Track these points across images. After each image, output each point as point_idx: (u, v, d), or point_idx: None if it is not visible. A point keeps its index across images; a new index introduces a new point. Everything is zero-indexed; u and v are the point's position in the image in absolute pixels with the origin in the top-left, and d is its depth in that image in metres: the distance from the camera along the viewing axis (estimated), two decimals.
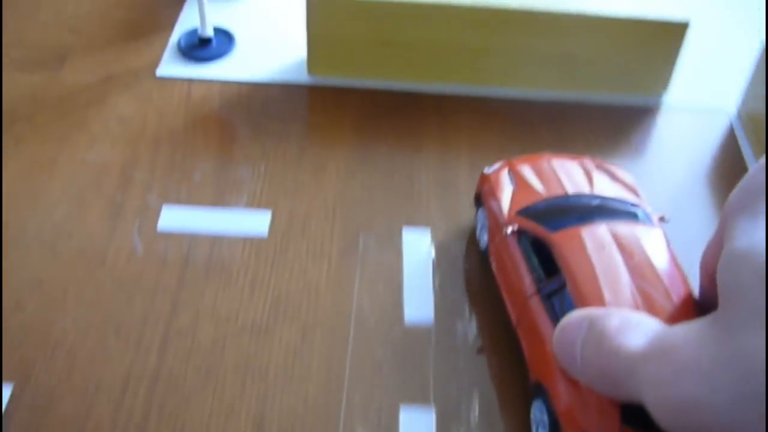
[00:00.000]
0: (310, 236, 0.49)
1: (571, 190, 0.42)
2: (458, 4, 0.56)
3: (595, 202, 0.41)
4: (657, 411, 0.29)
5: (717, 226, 0.33)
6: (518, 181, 0.44)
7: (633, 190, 0.43)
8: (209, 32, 0.63)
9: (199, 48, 0.63)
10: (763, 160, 0.31)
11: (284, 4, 0.68)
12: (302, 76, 0.61)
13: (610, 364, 0.31)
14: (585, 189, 0.42)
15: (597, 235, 0.37)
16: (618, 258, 0.36)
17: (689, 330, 0.29)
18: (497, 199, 0.44)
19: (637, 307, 0.34)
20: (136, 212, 0.50)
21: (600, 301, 0.35)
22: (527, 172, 0.44)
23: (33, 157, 0.54)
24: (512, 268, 0.41)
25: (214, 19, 0.64)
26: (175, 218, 0.50)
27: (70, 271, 0.47)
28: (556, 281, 0.37)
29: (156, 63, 0.62)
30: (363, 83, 0.61)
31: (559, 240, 0.38)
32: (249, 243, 0.49)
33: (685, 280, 0.36)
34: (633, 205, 0.41)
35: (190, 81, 0.61)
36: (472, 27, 0.57)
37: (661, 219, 0.41)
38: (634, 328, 0.32)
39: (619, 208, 0.40)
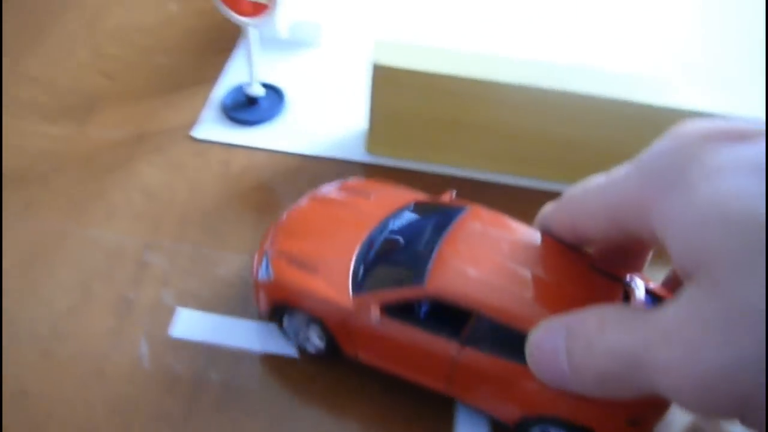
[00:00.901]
0: None
1: (361, 233, 0.39)
2: (548, 87, 0.47)
3: (396, 228, 0.38)
4: (681, 395, 0.28)
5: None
6: (309, 262, 0.38)
7: (393, 188, 0.42)
8: (258, 91, 0.55)
9: (244, 108, 0.55)
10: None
11: (345, 66, 0.60)
12: (359, 153, 0.53)
13: (608, 365, 0.30)
14: (368, 222, 0.39)
15: (459, 256, 0.35)
16: (495, 259, 0.35)
17: (679, 307, 0.28)
18: (314, 294, 0.37)
19: (550, 286, 0.34)
20: (147, 312, 0.43)
21: (527, 304, 0.33)
22: (303, 248, 0.39)
23: (41, 228, 0.47)
24: (407, 343, 0.36)
25: (265, 74, 0.56)
26: (192, 324, 0.42)
27: (60, 384, 0.39)
28: (476, 321, 0.34)
29: (194, 121, 0.54)
30: (426, 167, 0.52)
31: (441, 287, 0.34)
32: (276, 364, 0.41)
33: (526, 228, 0.37)
34: (420, 204, 0.40)
35: (230, 147, 0.53)
36: (559, 113, 0.48)
37: (451, 197, 0.41)
38: (615, 322, 0.30)
39: (423, 217, 0.38)
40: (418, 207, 0.40)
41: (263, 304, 0.40)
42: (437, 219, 0.38)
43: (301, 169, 0.52)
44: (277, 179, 0.51)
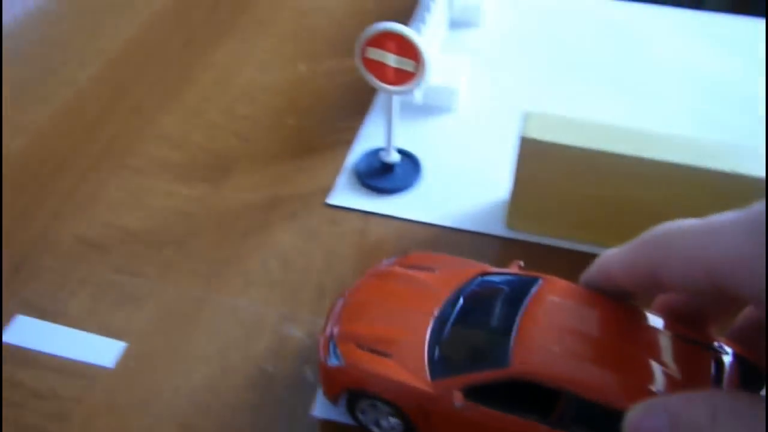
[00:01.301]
0: None
1: (430, 310, 0.37)
2: (704, 166, 0.44)
3: (467, 304, 0.36)
4: None
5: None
6: (381, 346, 0.36)
7: (457, 260, 0.40)
8: (394, 157, 0.54)
9: (380, 175, 0.54)
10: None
11: (481, 133, 0.59)
12: (498, 227, 0.51)
13: None
14: (436, 298, 0.37)
15: (541, 333, 0.33)
16: (578, 334, 0.33)
17: None
18: (390, 380, 0.35)
19: (641, 360, 0.32)
20: (288, 388, 0.41)
21: (620, 380, 0.31)
22: (373, 331, 0.37)
23: (179, 293, 0.46)
24: (493, 428, 0.34)
25: (401, 140, 0.55)
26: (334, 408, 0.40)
27: None
28: (566, 401, 0.32)
29: (328, 187, 0.53)
30: (570, 245, 0.50)
31: (527, 368, 0.32)
32: None
33: (613, 300, 0.34)
34: (487, 274, 0.38)
35: (365, 215, 0.51)
36: (715, 194, 0.45)
37: (520, 267, 0.39)
38: (730, 415, 0.27)
39: (495, 290, 0.36)
40: (487, 280, 0.38)
41: (333, 390, 0.38)
42: (511, 292, 0.36)
43: (438, 240, 0.50)
44: (412, 248, 0.49)
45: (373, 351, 0.36)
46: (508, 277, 0.38)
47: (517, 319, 0.34)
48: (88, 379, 0.42)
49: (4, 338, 0.44)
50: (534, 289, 0.35)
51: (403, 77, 0.49)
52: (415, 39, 0.47)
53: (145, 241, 0.49)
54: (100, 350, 0.43)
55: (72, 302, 0.45)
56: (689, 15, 0.73)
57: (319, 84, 0.63)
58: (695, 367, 0.32)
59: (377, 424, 0.38)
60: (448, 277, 0.39)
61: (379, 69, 0.49)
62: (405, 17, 0.71)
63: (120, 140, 0.57)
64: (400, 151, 0.55)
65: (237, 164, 0.55)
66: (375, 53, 0.49)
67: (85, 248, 0.49)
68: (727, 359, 0.33)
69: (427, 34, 0.57)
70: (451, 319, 0.36)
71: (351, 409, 0.38)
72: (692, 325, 0.34)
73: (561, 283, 0.36)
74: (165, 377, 0.41)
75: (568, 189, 0.49)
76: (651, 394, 0.31)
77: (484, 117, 0.60)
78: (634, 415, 0.29)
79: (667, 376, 0.31)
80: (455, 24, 0.70)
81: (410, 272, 0.40)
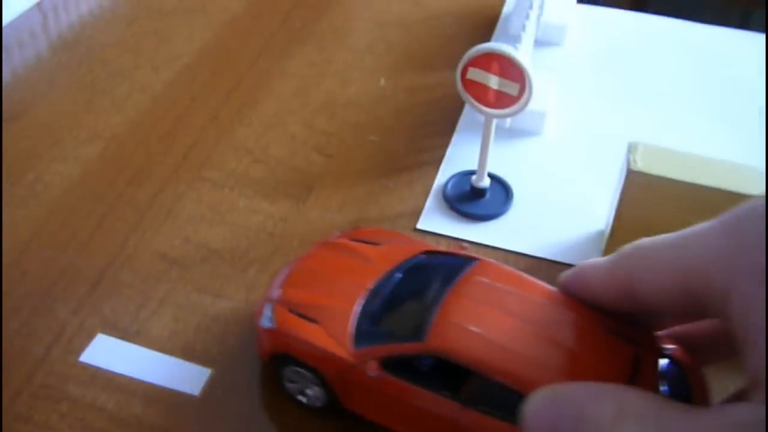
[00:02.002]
0: None
1: (367, 282, 0.37)
2: None
3: (403, 279, 0.37)
4: None
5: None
6: (311, 312, 0.37)
7: (405, 238, 0.42)
8: (485, 182, 0.51)
9: (469, 200, 0.52)
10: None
11: (571, 158, 0.56)
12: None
13: None
14: (375, 271, 0.38)
15: (463, 312, 0.33)
16: (499, 316, 0.33)
17: (734, 425, 0.23)
18: (314, 346, 0.36)
19: (556, 347, 0.31)
20: None
21: (531, 365, 0.31)
22: (306, 297, 0.38)
23: None
24: (406, 400, 0.34)
25: (493, 165, 0.53)
26: None
27: None
28: (476, 381, 0.32)
29: (415, 210, 0.51)
30: None
31: (442, 344, 0.33)
32: None
33: (547, 288, 0.34)
34: (431, 254, 0.39)
35: (456, 242, 0.49)
36: None
37: (462, 248, 0.39)
38: (637, 416, 0.25)
39: (431, 268, 0.37)
40: (427, 258, 0.39)
41: (263, 352, 0.39)
42: (445, 271, 0.36)
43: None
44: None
45: (301, 316, 0.37)
46: (448, 258, 0.38)
47: (443, 297, 0.34)
48: (173, 407, 0.40)
49: (86, 358, 0.42)
50: (466, 270, 0.36)
51: (504, 100, 0.47)
52: (522, 61, 0.45)
53: (228, 260, 0.47)
54: (185, 376, 0.41)
55: (154, 322, 0.44)
56: None
57: (402, 100, 0.61)
58: (615, 362, 0.32)
59: (303, 394, 0.38)
60: (391, 253, 0.39)
61: (479, 91, 0.47)
62: (484, 32, 0.69)
63: (197, 150, 0.55)
64: (490, 176, 0.52)
65: (320, 181, 0.53)
66: (477, 74, 0.47)
67: (165, 265, 0.47)
68: (658, 360, 0.32)
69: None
70: (383, 293, 0.37)
71: (279, 377, 0.39)
72: (632, 323, 0.33)
73: (495, 266, 0.36)
74: (253, 409, 0.39)
75: (675, 224, 0.46)
76: (560, 382, 0.30)
77: (573, 142, 0.58)
78: (534, 400, 0.28)
79: (583, 367, 0.31)
80: (537, 43, 0.67)
81: (355, 245, 0.41)
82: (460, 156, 0.55)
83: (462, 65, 0.46)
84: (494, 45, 0.45)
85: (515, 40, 0.55)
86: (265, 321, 0.38)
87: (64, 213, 0.50)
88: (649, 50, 0.68)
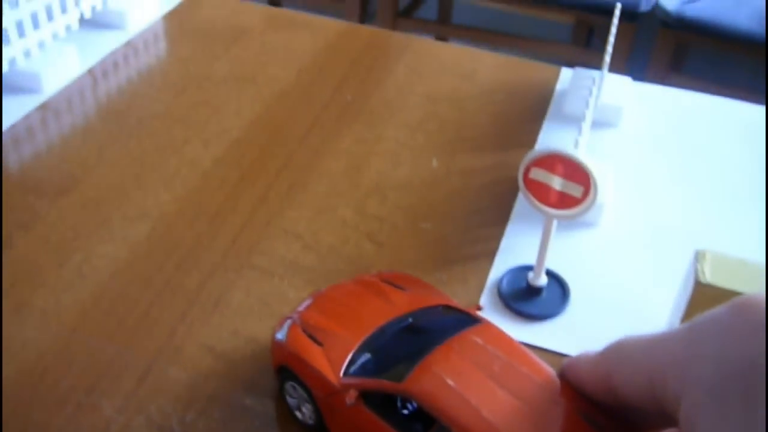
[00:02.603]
0: None
1: (380, 320, 0.40)
2: None
3: (412, 324, 0.39)
4: None
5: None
6: (319, 335, 0.40)
7: (433, 290, 0.43)
8: (542, 280, 0.50)
9: (525, 298, 0.50)
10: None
11: (629, 253, 0.54)
12: None
13: None
14: (391, 312, 0.40)
15: (446, 364, 0.35)
16: (479, 376, 0.34)
17: None
18: (311, 365, 0.39)
19: (521, 419, 0.32)
20: None
21: (491, 429, 0.32)
22: (321, 321, 0.41)
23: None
24: None
25: (548, 259, 0.51)
26: None
27: None
28: (437, 430, 0.34)
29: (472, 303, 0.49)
30: None
31: (414, 388, 0.35)
32: None
33: (539, 364, 0.35)
34: (448, 308, 0.40)
35: None
36: None
37: (478, 309, 0.41)
38: None
39: (440, 320, 0.39)
40: (441, 310, 0.41)
41: (273, 362, 0.42)
42: (449, 325, 0.38)
43: None
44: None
45: (311, 337, 0.40)
46: (458, 314, 0.40)
47: (435, 347, 0.36)
48: None
49: None
50: (467, 327, 0.37)
51: (567, 201, 0.45)
52: (587, 165, 0.44)
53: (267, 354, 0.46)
54: None
55: (201, 424, 0.42)
56: None
57: (455, 183, 0.59)
58: None
59: (300, 410, 0.41)
60: (412, 299, 0.42)
61: (542, 191, 0.46)
62: (538, 110, 0.68)
63: (246, 234, 0.54)
64: (547, 272, 0.51)
65: (371, 271, 0.51)
66: (540, 174, 0.45)
67: (212, 360, 0.46)
68: None
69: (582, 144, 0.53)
70: (389, 333, 0.39)
71: (282, 390, 0.42)
72: (616, 418, 0.33)
73: (495, 331, 0.38)
74: None
75: None
76: None
77: (631, 234, 0.56)
78: None
79: None
80: (592, 124, 0.66)
81: (382, 285, 0.43)
82: (514, 247, 0.54)
83: (525, 165, 0.45)
84: (559, 148, 0.44)
85: (572, 121, 0.54)
86: (279, 334, 0.42)
87: (111, 298, 0.49)
88: (706, 131, 0.67)
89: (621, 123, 0.67)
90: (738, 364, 0.25)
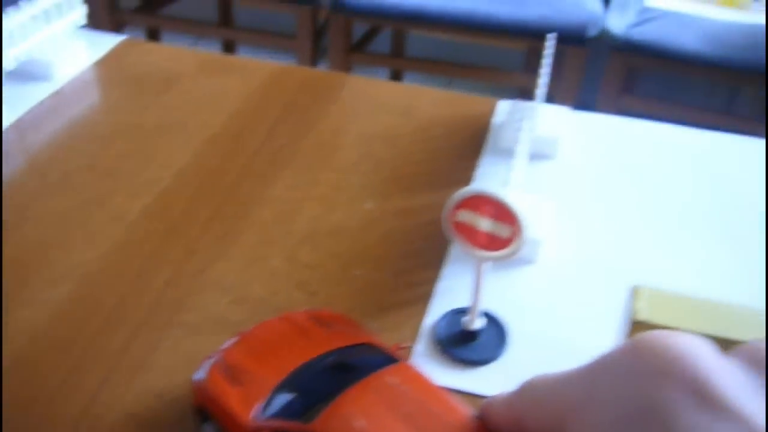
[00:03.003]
0: None
1: (301, 359, 0.39)
2: None
3: (332, 363, 0.39)
4: None
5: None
6: (239, 375, 0.39)
7: (359, 329, 0.42)
8: (478, 324, 0.48)
9: (462, 342, 0.48)
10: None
11: (573, 292, 0.53)
12: None
13: None
14: (313, 351, 0.39)
15: (357, 405, 0.35)
16: (390, 417, 0.34)
17: None
18: (224, 407, 0.38)
19: None
20: None
21: None
22: (243, 361, 0.40)
23: None
24: None
25: (484, 300, 0.50)
26: None
27: None
28: None
29: (405, 356, 0.47)
30: None
31: (322, 430, 0.34)
32: None
33: (455, 406, 0.35)
34: (370, 347, 0.40)
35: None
36: None
37: (401, 348, 0.41)
38: None
39: (360, 359, 0.39)
40: (363, 349, 0.40)
41: (193, 402, 0.41)
42: (368, 364, 0.38)
43: None
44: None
45: (230, 377, 0.39)
46: (378, 353, 0.40)
47: (348, 388, 0.36)
48: None
49: None
50: (384, 367, 0.37)
51: (496, 243, 0.44)
52: (513, 205, 0.42)
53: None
54: None
55: None
56: None
57: (389, 226, 0.58)
58: None
59: None
60: (335, 337, 0.41)
61: (470, 233, 0.44)
62: (475, 145, 0.67)
63: (174, 289, 0.52)
64: (484, 314, 0.49)
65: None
66: (467, 216, 0.44)
67: (135, 428, 0.43)
68: None
69: (515, 181, 0.52)
70: (308, 372, 0.38)
71: (199, 426, 0.41)
72: None
73: (411, 372, 0.37)
74: None
75: None
76: None
77: (570, 271, 0.55)
78: None
79: None
80: (529, 156, 0.65)
81: (308, 323, 0.43)
82: (451, 290, 0.52)
83: (450, 207, 0.44)
84: (483, 189, 0.43)
85: (509, 155, 0.52)
86: (198, 374, 0.41)
87: (28, 366, 0.47)
88: (647, 159, 0.66)
89: (558, 154, 0.66)
90: (636, 408, 0.25)
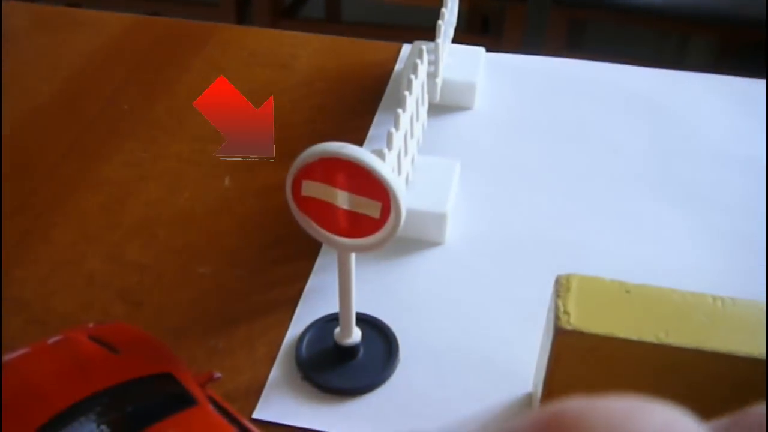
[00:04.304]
0: None
1: (65, 401, 0.28)
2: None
3: (105, 407, 0.28)
4: None
5: None
6: None
7: (160, 351, 0.31)
8: (353, 338, 0.35)
9: (334, 363, 0.35)
10: None
11: (483, 281, 0.40)
12: None
13: None
14: (84, 388, 0.29)
15: None
16: None
17: None
18: None
19: None
20: None
21: None
22: None
23: None
24: None
25: (360, 299, 0.37)
26: None
27: None
28: None
29: (258, 384, 0.34)
30: None
31: None
32: None
33: None
34: (165, 380, 0.29)
35: None
36: None
37: (211, 379, 0.30)
38: None
39: (144, 401, 0.29)
40: (155, 383, 0.30)
41: None
42: (152, 408, 0.29)
43: None
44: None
45: None
46: (175, 389, 0.29)
47: None
48: None
49: None
50: (172, 414, 0.28)
51: (361, 226, 0.31)
52: (376, 166, 0.29)
53: None
54: None
55: None
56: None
57: (250, 207, 0.44)
58: None
59: None
60: (119, 367, 0.30)
61: (324, 212, 0.31)
62: (371, 100, 0.53)
63: None
64: (362, 320, 0.36)
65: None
66: (315, 189, 0.31)
67: None
68: None
69: (398, 137, 0.39)
70: (74, 420, 0.28)
71: None
72: None
73: (208, 420, 0.28)
74: None
75: (612, 385, 0.30)
76: None
77: (481, 252, 0.42)
78: None
79: None
80: (440, 108, 0.52)
81: (86, 346, 0.31)
82: (326, 288, 0.39)
83: (291, 177, 0.30)
84: (331, 145, 0.29)
85: (393, 123, 0.39)
86: None
87: None
88: (584, 107, 0.53)
89: (475, 104, 0.52)
90: None
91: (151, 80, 0.56)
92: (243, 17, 1.93)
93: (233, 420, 0.29)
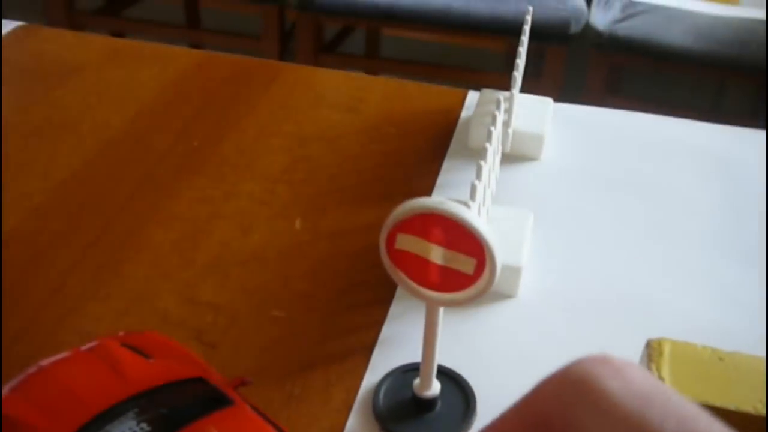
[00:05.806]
0: None
1: (103, 404, 0.29)
2: None
3: (141, 409, 0.29)
4: None
5: None
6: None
7: (189, 358, 0.33)
8: (433, 390, 0.35)
9: (412, 415, 0.35)
10: None
11: (558, 332, 0.40)
12: None
13: None
14: (121, 391, 0.29)
15: None
16: None
17: None
18: None
19: None
20: None
21: None
22: (22, 411, 0.29)
23: None
24: None
25: (442, 351, 0.36)
26: None
27: None
28: None
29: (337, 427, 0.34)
30: None
31: None
32: None
33: None
34: (200, 384, 0.30)
35: None
36: None
37: (243, 383, 0.31)
38: None
39: (182, 402, 0.29)
40: (190, 387, 0.30)
41: None
42: (191, 408, 0.29)
43: None
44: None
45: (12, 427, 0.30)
46: (210, 392, 0.30)
47: None
48: None
49: None
50: (211, 413, 0.29)
51: (454, 280, 0.31)
52: (475, 224, 0.29)
53: None
54: None
55: None
56: None
57: (322, 252, 0.44)
58: None
59: None
60: (154, 372, 0.31)
61: (416, 266, 0.31)
62: (438, 146, 0.53)
63: (27, 344, 0.39)
64: (442, 373, 0.36)
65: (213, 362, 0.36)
66: (410, 243, 0.30)
67: None
68: None
69: (480, 191, 0.39)
70: (113, 421, 0.29)
71: None
72: None
73: (244, 416, 0.29)
74: None
75: None
76: None
77: (556, 306, 0.41)
78: None
79: None
80: (508, 158, 0.52)
81: (119, 352, 0.32)
82: (401, 337, 0.39)
83: (386, 231, 0.30)
84: (430, 201, 0.29)
85: (480, 157, 0.39)
86: None
87: None
88: (650, 159, 0.53)
89: (542, 155, 0.52)
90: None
91: (218, 117, 0.56)
92: (285, 51, 1.95)
93: (269, 422, 0.29)
